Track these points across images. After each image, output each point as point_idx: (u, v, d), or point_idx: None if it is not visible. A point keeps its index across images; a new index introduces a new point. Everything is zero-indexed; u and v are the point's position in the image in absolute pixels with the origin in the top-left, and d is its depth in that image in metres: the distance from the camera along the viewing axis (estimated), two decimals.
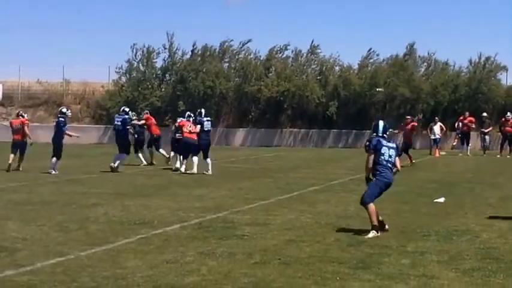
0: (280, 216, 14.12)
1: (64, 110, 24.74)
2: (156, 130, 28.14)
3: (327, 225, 12.95)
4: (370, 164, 12.26)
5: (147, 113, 29.66)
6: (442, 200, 16.55)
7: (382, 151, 12.25)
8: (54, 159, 23.53)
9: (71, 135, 24.31)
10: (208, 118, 24.65)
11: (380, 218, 12.15)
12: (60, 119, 24.02)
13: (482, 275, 9.11)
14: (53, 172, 23.11)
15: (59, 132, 23.87)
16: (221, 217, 13.97)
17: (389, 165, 12.30)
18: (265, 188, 19.48)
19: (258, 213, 14.45)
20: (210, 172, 23.29)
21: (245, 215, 14.29)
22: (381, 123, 12.65)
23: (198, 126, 23.85)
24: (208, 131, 24.34)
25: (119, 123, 24.95)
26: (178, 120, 25.02)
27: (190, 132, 23.64)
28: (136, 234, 11.93)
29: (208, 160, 23.65)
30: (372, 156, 12.25)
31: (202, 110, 24.73)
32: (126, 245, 11.05)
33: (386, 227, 12.20)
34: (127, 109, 26.21)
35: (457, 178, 22.29)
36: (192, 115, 24.76)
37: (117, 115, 26.26)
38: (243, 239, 11.56)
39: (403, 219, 13.73)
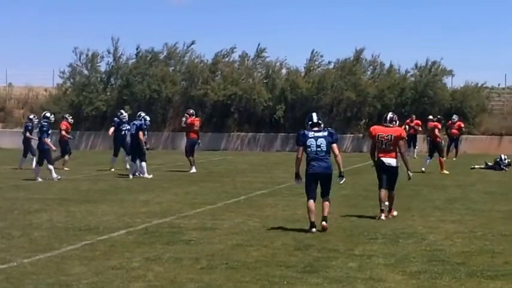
0: (227, 220, 14.03)
1: (48, 114, 24.37)
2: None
3: (275, 230, 12.90)
4: (299, 155, 12.79)
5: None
6: None
7: (308, 143, 12.72)
8: (49, 166, 22.83)
9: (48, 145, 23.13)
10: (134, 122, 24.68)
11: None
12: (43, 123, 23.55)
13: (428, 277, 9.13)
14: (55, 175, 22.68)
15: (42, 137, 23.16)
16: (167, 222, 13.84)
17: (320, 155, 12.68)
18: (212, 192, 19.36)
19: (205, 218, 14.35)
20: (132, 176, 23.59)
21: (192, 219, 14.18)
22: (314, 115, 13.05)
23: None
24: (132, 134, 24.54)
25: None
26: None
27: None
28: (81, 240, 11.75)
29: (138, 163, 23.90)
30: (301, 150, 12.75)
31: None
32: (71, 251, 10.88)
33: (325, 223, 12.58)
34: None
35: (404, 180, 22.29)
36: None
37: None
38: (190, 244, 11.45)
39: (350, 223, 13.74)
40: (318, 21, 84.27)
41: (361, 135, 41.28)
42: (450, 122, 36.03)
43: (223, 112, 44.79)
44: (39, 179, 22.51)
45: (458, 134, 35.74)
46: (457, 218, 14.44)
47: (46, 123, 23.48)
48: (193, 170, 25.77)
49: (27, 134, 26.47)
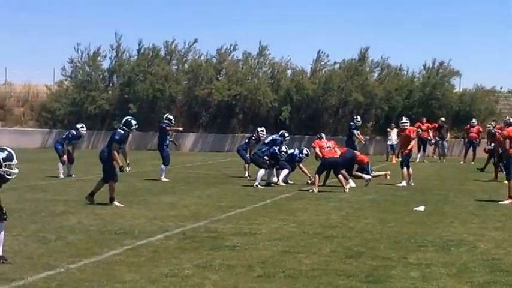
0: (263, 225, 13.63)
1: (78, 126, 24.56)
2: None
3: (316, 235, 12.52)
4: None
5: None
6: (422, 208, 16.23)
7: None
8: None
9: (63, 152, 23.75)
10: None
11: None
12: (71, 131, 24.44)
13: None
14: (61, 176, 23.28)
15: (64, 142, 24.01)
16: (203, 226, 13.43)
17: None
18: (235, 195, 18.95)
19: (239, 222, 13.94)
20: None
21: (227, 224, 13.76)
22: None
23: None
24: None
25: None
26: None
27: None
28: (121, 245, 11.33)
29: None
30: None
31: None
32: (115, 256, 10.46)
33: None
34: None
35: (424, 185, 22.05)
36: None
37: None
38: (236, 250, 11.04)
39: (390, 229, 13.36)
40: (323, 22, 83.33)
41: (368, 137, 40.73)
42: (469, 125, 35.64)
43: (227, 112, 44.31)
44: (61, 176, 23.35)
45: (477, 138, 35.28)
46: (498, 225, 14.06)
47: (74, 132, 24.17)
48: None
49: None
